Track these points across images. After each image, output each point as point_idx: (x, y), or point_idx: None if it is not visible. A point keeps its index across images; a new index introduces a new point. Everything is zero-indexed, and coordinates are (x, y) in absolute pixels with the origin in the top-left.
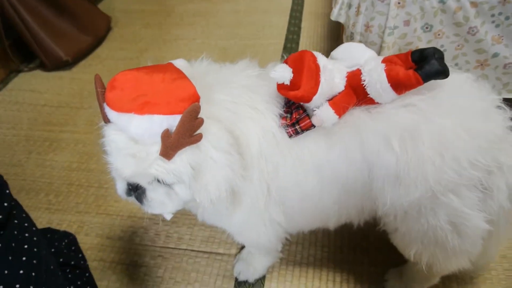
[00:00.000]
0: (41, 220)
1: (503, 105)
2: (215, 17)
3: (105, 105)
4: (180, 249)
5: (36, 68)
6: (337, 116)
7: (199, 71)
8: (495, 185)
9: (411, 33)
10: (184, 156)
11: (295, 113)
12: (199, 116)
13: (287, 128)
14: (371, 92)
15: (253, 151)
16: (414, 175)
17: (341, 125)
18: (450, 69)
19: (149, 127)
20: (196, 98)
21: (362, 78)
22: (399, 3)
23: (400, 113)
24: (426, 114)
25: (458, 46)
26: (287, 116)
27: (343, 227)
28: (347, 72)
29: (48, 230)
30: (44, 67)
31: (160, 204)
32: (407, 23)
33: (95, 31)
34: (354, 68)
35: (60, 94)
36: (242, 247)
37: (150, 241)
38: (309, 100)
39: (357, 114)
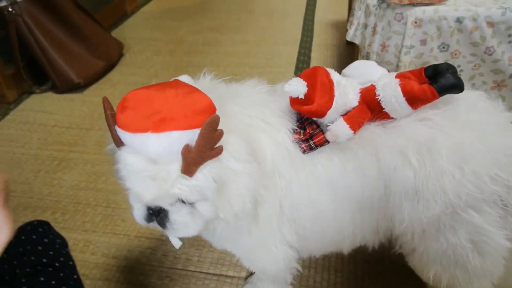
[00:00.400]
0: None
1: None
2: (225, 47)
3: (116, 128)
4: (188, 270)
5: (48, 90)
6: (352, 131)
7: (205, 86)
8: None
9: (427, 52)
10: (206, 171)
11: (309, 128)
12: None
13: (300, 143)
14: (386, 106)
15: (267, 165)
16: (433, 189)
17: (355, 141)
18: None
19: (167, 145)
20: (213, 110)
21: (377, 93)
22: (416, 22)
23: (416, 127)
24: (443, 128)
25: (475, 66)
26: (300, 131)
27: (357, 251)
28: (360, 89)
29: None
30: (56, 89)
31: (184, 225)
32: (423, 42)
33: (108, 56)
34: (367, 85)
35: (71, 115)
36: (253, 272)
37: (157, 261)
38: (323, 115)
39: (372, 129)
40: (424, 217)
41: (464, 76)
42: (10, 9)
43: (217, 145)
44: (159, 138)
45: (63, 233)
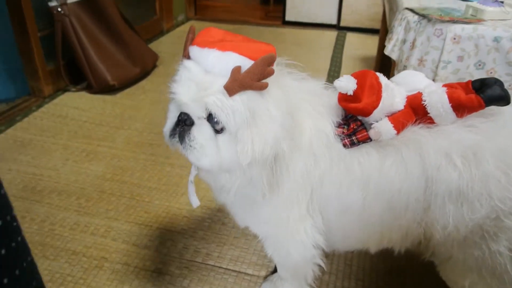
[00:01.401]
0: (69, 220)
1: None
2: None
3: (190, 47)
4: (208, 264)
5: (83, 89)
6: (396, 131)
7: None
8: None
9: (464, 69)
10: (245, 97)
11: (353, 124)
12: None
13: (343, 138)
14: (432, 111)
15: (303, 142)
16: (478, 191)
17: (398, 139)
18: None
19: (225, 62)
20: (273, 57)
21: (423, 99)
22: (454, 38)
23: (462, 132)
24: (489, 135)
25: (510, 85)
26: (344, 126)
27: (379, 261)
28: (407, 95)
29: None
30: (91, 89)
31: (201, 147)
32: (460, 58)
33: (143, 64)
34: (414, 92)
35: (102, 114)
36: (274, 271)
37: (177, 253)
38: (369, 113)
39: (417, 131)
40: (469, 220)
41: None
42: (59, 9)
43: (264, 82)
44: (221, 54)
45: (86, 218)
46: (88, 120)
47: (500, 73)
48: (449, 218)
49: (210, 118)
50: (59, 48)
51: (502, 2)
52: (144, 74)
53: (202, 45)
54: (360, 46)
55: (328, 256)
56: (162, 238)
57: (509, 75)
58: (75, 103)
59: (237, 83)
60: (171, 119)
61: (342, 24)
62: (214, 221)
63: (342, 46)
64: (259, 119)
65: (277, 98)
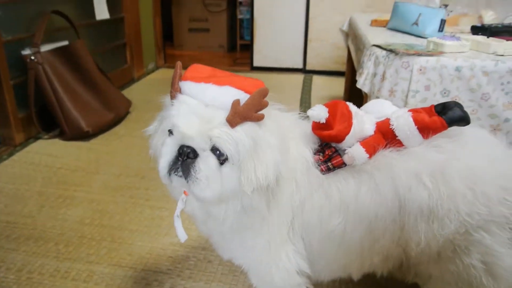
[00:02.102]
0: (48, 267)
1: None
2: None
3: (181, 83)
4: None
5: (55, 136)
6: (368, 155)
7: None
8: None
9: (431, 96)
10: (246, 127)
11: (328, 151)
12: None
13: (320, 164)
14: (400, 134)
15: (288, 168)
16: (447, 208)
17: (371, 164)
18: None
19: (223, 95)
20: (268, 90)
21: (391, 123)
22: (420, 69)
23: (429, 152)
24: (454, 154)
25: (473, 111)
26: (320, 154)
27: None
28: (376, 122)
29: None
30: (64, 135)
31: (206, 179)
32: (427, 88)
33: (117, 110)
34: (382, 119)
35: (77, 160)
36: None
37: None
38: (341, 139)
39: (387, 154)
40: (440, 236)
41: None
42: (32, 58)
43: (260, 113)
44: (219, 89)
45: (67, 264)
46: (63, 167)
47: (463, 99)
48: (421, 236)
49: (213, 150)
50: (31, 96)
51: (459, 37)
52: (118, 120)
53: (197, 80)
54: (326, 87)
55: (316, 285)
56: (148, 279)
57: (472, 101)
58: (48, 150)
59: (238, 115)
60: (168, 153)
61: (308, 67)
62: (200, 260)
63: (310, 88)
64: (259, 147)
65: (271, 127)
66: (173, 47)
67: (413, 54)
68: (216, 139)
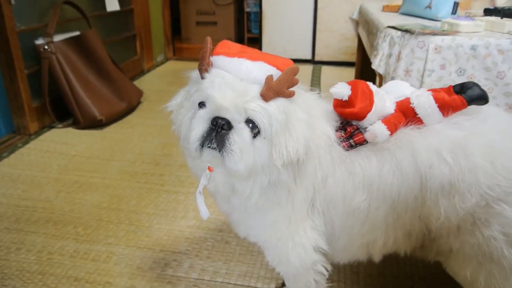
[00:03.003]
0: (68, 248)
1: None
2: None
3: (212, 58)
4: (216, 281)
5: (69, 126)
6: (389, 132)
7: None
8: None
9: (446, 76)
10: (279, 103)
11: (349, 128)
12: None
13: (342, 141)
14: (420, 112)
15: (314, 146)
16: (468, 182)
17: (392, 142)
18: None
19: (257, 71)
20: (298, 68)
21: (411, 102)
22: (436, 49)
23: (449, 129)
24: (473, 130)
25: (489, 89)
26: (341, 131)
27: (385, 269)
28: (396, 101)
29: None
30: (78, 125)
31: (239, 150)
32: (443, 67)
33: (129, 100)
34: (402, 98)
35: (91, 148)
36: (283, 284)
37: (184, 273)
38: (363, 117)
39: (408, 132)
40: (461, 209)
41: None
42: (46, 47)
43: (292, 90)
44: (253, 64)
45: (86, 246)
46: (78, 154)
47: (479, 78)
48: (442, 210)
49: (247, 122)
50: (45, 85)
51: (474, 18)
52: (130, 109)
53: (229, 55)
54: (335, 78)
55: (334, 265)
56: (167, 259)
57: (487, 79)
58: (62, 139)
59: (272, 90)
60: (201, 126)
61: (317, 58)
62: (217, 241)
63: (319, 78)
64: (291, 122)
65: (300, 104)
66: (181, 41)
67: (429, 34)
68: (251, 111)
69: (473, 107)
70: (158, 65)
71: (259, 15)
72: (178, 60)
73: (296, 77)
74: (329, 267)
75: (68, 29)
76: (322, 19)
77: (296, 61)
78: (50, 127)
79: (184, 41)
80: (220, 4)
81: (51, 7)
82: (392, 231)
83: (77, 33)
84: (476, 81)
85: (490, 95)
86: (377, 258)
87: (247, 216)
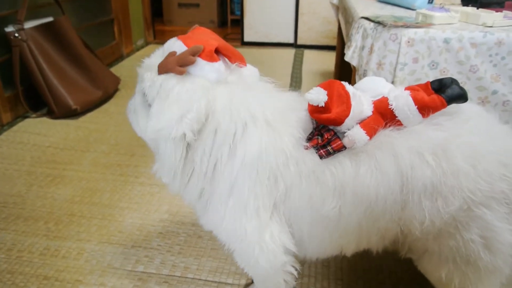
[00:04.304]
0: (38, 246)
1: None
2: None
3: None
4: (187, 277)
5: (43, 115)
6: (368, 137)
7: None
8: None
9: (419, 69)
10: (165, 78)
11: (327, 134)
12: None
13: (318, 149)
14: (399, 114)
15: (246, 153)
16: (450, 185)
17: (371, 144)
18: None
19: (172, 45)
20: (201, 48)
21: (390, 103)
22: (408, 42)
23: (430, 130)
24: (455, 131)
25: (461, 83)
26: (318, 138)
27: (356, 263)
28: (373, 101)
29: None
30: (52, 114)
31: (133, 112)
32: (415, 60)
33: (105, 88)
34: (379, 97)
35: (66, 138)
36: (253, 281)
37: (155, 269)
38: (341, 122)
39: (388, 133)
40: (444, 212)
41: None
42: (16, 35)
43: (185, 68)
44: (175, 41)
45: (56, 242)
46: (52, 145)
47: (452, 72)
48: (425, 213)
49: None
50: (17, 74)
51: (448, 9)
52: (107, 97)
53: (179, 37)
54: (317, 62)
55: (304, 261)
56: (138, 256)
57: (460, 73)
58: (36, 129)
59: (164, 64)
60: None
61: (299, 42)
62: (190, 235)
63: (301, 62)
64: (165, 99)
65: (202, 89)
66: (163, 23)
67: (401, 26)
68: (142, 80)
69: (453, 106)
70: (138, 49)
71: None
72: (159, 44)
73: (194, 56)
74: (299, 266)
75: (41, 15)
76: (305, 2)
77: (278, 45)
78: (24, 117)
79: (166, 24)
80: None
81: None
82: (366, 236)
83: (50, 19)
84: (449, 75)
85: None
86: (349, 254)
87: (200, 207)
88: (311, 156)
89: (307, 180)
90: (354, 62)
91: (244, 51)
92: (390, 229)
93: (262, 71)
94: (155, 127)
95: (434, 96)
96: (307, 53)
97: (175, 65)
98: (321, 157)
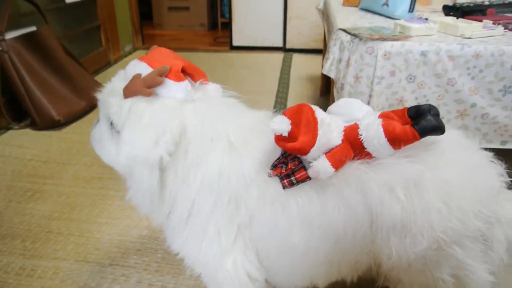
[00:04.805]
0: (14, 265)
1: (495, 160)
2: None
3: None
4: None
5: (26, 127)
6: (334, 169)
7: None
8: (495, 237)
9: (396, 83)
10: (133, 101)
11: (291, 164)
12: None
13: (282, 178)
14: (369, 146)
15: (206, 176)
16: (420, 224)
17: (338, 177)
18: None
19: (135, 67)
20: (167, 68)
21: (359, 133)
22: (385, 55)
23: (402, 163)
24: (429, 164)
25: (439, 96)
26: (282, 166)
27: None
28: (345, 127)
29: None
30: (35, 126)
31: (98, 141)
32: (392, 73)
33: (89, 98)
34: (352, 123)
35: (48, 150)
36: None
37: None
38: (306, 152)
39: (356, 166)
40: (411, 252)
41: None
42: None
43: (153, 89)
44: (138, 63)
45: (33, 261)
46: (34, 158)
47: (429, 85)
48: (393, 250)
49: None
50: None
51: (427, 19)
52: (91, 107)
53: (139, 58)
54: (306, 66)
55: None
56: (115, 274)
57: (438, 86)
58: (18, 141)
59: (130, 87)
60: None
61: (288, 46)
62: (168, 252)
63: (289, 67)
64: (137, 123)
65: (173, 110)
66: (153, 27)
67: (378, 39)
68: (108, 105)
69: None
70: (126, 55)
71: (228, 1)
72: (148, 49)
73: (162, 77)
74: None
75: (24, 24)
76: (293, 6)
77: (267, 49)
78: (7, 128)
79: (156, 27)
80: None
81: (3, 2)
82: (336, 267)
83: (33, 28)
84: (426, 88)
85: (441, 102)
86: (321, 286)
87: (167, 229)
88: (276, 183)
89: (271, 208)
90: (332, 75)
91: (232, 56)
92: (361, 261)
93: (250, 76)
94: (131, 154)
95: (407, 128)
96: (296, 57)
97: (143, 87)
98: (284, 187)
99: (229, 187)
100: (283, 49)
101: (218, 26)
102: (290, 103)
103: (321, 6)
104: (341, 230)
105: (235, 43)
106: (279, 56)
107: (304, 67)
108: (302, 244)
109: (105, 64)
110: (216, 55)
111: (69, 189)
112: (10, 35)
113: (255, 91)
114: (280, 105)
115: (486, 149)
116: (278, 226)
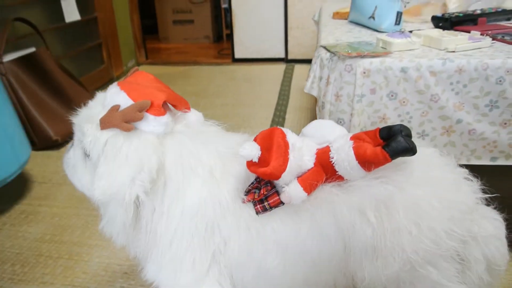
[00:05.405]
0: None
1: (470, 177)
2: (204, 110)
3: None
4: None
5: None
6: (306, 193)
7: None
8: (472, 256)
9: (377, 100)
10: (111, 134)
11: (264, 189)
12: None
13: (255, 203)
14: (340, 170)
15: (185, 207)
16: (391, 246)
17: (311, 201)
18: (416, 143)
19: (115, 99)
20: (148, 103)
21: (331, 156)
22: (364, 72)
23: (373, 184)
24: (399, 185)
25: (423, 113)
26: (255, 192)
27: None
28: (317, 149)
29: None
30: (33, 146)
31: (72, 167)
32: (373, 91)
33: None
34: (324, 145)
35: (45, 171)
36: None
37: None
38: (277, 177)
39: (329, 190)
40: (383, 275)
41: (414, 123)
42: None
43: (132, 124)
44: (118, 92)
45: (20, 286)
46: (30, 179)
47: (412, 102)
48: (365, 273)
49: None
50: None
51: (411, 31)
52: None
53: (119, 84)
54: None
55: None
56: None
57: (421, 102)
58: None
59: (108, 119)
60: None
61: (290, 56)
62: None
63: (290, 78)
64: (113, 159)
65: (152, 147)
66: (159, 40)
67: (356, 56)
68: (83, 134)
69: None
70: (128, 71)
71: (229, 13)
72: (151, 65)
73: (141, 113)
74: None
75: (23, 46)
76: (293, 16)
77: (269, 60)
78: None
79: (162, 41)
80: (196, 2)
81: (1, 25)
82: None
83: (32, 49)
84: (409, 105)
85: (425, 119)
86: None
87: (143, 259)
88: (250, 209)
89: (246, 233)
90: (314, 93)
91: (234, 68)
92: (339, 280)
93: (250, 89)
94: (106, 191)
95: (378, 150)
96: (298, 68)
97: (121, 122)
98: (257, 212)
99: (207, 216)
100: (285, 60)
101: (223, 38)
102: (289, 116)
103: (316, 17)
104: (315, 254)
105: (237, 55)
106: (281, 67)
107: (305, 78)
108: (279, 269)
109: (108, 80)
110: (218, 68)
111: (62, 210)
112: (8, 57)
113: (254, 104)
114: (278, 118)
115: (462, 165)
116: (253, 252)
